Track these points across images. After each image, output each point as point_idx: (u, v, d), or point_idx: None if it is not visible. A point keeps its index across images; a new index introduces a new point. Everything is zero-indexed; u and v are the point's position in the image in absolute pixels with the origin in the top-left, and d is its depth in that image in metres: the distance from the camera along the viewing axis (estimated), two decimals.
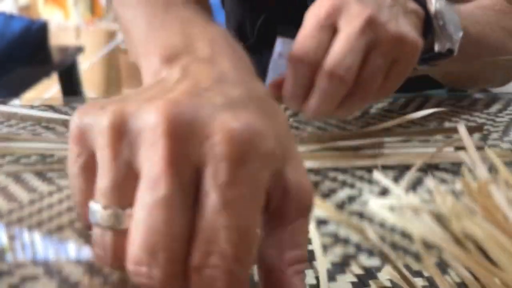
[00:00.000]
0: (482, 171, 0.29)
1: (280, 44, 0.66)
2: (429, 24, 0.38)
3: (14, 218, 0.30)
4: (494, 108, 0.48)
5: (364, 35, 0.32)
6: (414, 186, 0.33)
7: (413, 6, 0.37)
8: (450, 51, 0.39)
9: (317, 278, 0.24)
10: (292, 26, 0.66)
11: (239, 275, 0.16)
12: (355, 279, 0.24)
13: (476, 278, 0.23)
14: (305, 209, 0.19)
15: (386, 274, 0.24)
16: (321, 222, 0.29)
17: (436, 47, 0.39)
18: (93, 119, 0.18)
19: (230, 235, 0.16)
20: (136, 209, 0.16)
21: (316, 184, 0.34)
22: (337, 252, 0.26)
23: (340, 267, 0.25)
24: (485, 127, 0.42)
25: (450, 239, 0.26)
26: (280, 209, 0.18)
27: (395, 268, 0.24)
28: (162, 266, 0.16)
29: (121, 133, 0.17)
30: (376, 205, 0.29)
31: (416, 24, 0.36)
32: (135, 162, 0.17)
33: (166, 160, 0.16)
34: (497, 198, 0.27)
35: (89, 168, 0.18)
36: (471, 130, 0.38)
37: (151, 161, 0.16)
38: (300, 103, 0.35)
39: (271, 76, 0.68)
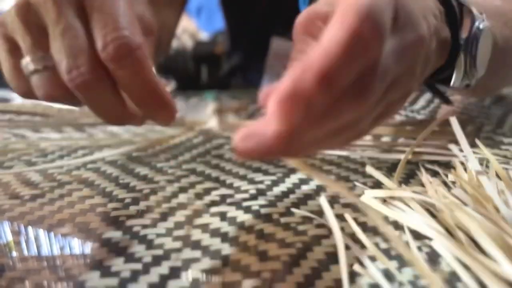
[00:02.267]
0: (473, 163, 0.30)
1: (275, 45, 0.66)
2: (451, 56, 0.30)
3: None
4: (487, 100, 0.48)
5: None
6: (407, 179, 0.33)
7: (446, 33, 0.29)
8: (466, 85, 0.32)
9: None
10: (286, 28, 0.66)
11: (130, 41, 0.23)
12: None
13: (467, 269, 0.24)
14: None
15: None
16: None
17: (453, 83, 0.32)
18: None
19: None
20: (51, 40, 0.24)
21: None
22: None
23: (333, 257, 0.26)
24: (478, 119, 0.43)
25: (441, 230, 0.26)
26: None
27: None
28: (84, 63, 0.23)
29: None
30: (369, 197, 0.29)
31: (436, 63, 0.29)
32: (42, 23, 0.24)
33: None
34: (489, 190, 0.27)
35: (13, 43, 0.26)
36: (463, 123, 0.39)
37: None
38: None
39: (268, 78, 0.69)
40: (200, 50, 0.89)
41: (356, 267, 0.24)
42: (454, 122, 0.31)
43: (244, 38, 0.71)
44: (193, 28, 1.53)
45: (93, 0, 0.23)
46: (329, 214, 0.27)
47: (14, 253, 0.27)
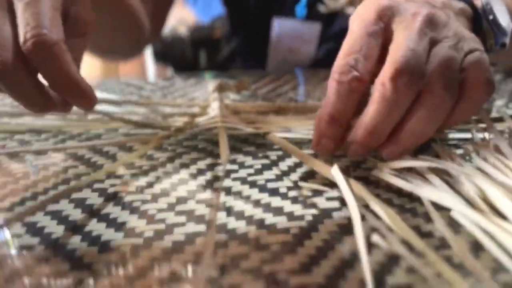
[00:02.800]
0: (493, 132, 0.28)
1: (277, 26, 0.65)
2: (477, 22, 0.32)
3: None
4: (498, 76, 0.47)
5: (425, 36, 0.27)
6: (421, 151, 0.32)
7: (460, 5, 0.32)
8: (502, 45, 0.33)
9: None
10: (286, 9, 0.64)
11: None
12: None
13: (491, 237, 0.22)
14: None
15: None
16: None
17: (489, 45, 0.33)
18: None
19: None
20: None
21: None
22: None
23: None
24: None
25: (460, 200, 0.25)
26: None
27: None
28: (5, 53, 0.25)
29: None
30: (382, 170, 0.28)
31: (466, 26, 0.31)
32: None
33: None
34: (509, 157, 0.26)
35: None
36: None
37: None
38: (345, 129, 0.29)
39: (272, 60, 0.67)
40: (197, 35, 0.87)
41: (374, 238, 0.22)
42: None
43: (244, 22, 0.69)
44: (191, 19, 1.51)
45: (21, 1, 0.26)
46: (342, 183, 0.25)
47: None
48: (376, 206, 0.25)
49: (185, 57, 0.94)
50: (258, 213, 0.26)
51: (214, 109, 0.38)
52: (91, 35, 0.30)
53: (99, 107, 0.41)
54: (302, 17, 0.61)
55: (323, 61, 0.64)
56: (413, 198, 0.27)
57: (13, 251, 0.24)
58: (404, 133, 0.27)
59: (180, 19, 1.42)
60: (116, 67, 2.33)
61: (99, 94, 0.43)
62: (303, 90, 0.45)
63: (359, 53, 0.27)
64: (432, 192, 0.25)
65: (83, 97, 0.27)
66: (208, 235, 0.24)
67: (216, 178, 0.30)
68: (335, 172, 0.26)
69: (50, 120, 0.39)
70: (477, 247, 0.22)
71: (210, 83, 0.44)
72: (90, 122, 0.38)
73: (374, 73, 0.27)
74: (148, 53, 2.25)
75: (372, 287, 0.19)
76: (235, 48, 0.74)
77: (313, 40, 0.63)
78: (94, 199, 0.28)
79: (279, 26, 0.62)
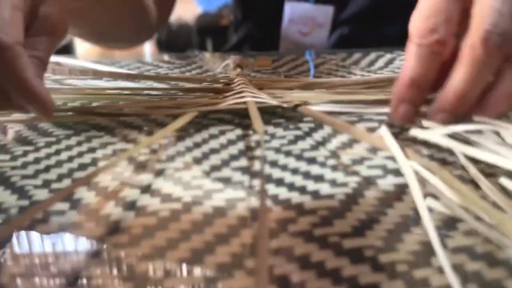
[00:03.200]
0: None
1: (289, 9, 0.63)
2: None
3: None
4: None
5: None
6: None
7: None
8: None
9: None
10: None
11: None
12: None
13: None
14: None
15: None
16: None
17: None
18: None
19: None
20: None
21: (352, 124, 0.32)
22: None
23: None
24: None
25: None
26: None
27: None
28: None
29: None
30: (434, 132, 0.26)
31: None
32: None
33: None
34: None
35: None
36: None
37: None
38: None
39: (284, 44, 0.66)
40: (204, 22, 0.86)
41: (429, 201, 0.21)
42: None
43: (256, 7, 0.68)
44: (196, 11, 1.50)
45: None
46: (391, 142, 0.24)
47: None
48: (432, 166, 0.23)
49: (191, 45, 0.93)
50: (298, 180, 0.25)
51: (239, 83, 0.36)
52: (63, 37, 0.29)
53: (120, 83, 0.40)
54: (314, 1, 0.60)
55: (336, 46, 0.64)
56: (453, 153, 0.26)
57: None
58: (496, 97, 0.26)
59: (185, 10, 1.40)
60: (113, 53, 2.32)
61: (117, 70, 0.42)
62: (322, 70, 0.44)
63: (440, 16, 0.26)
64: (486, 154, 0.24)
65: (38, 103, 0.26)
66: (249, 201, 0.23)
67: (249, 148, 0.29)
68: (383, 132, 0.25)
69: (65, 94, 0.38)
70: None
71: (229, 60, 0.43)
72: (112, 95, 0.37)
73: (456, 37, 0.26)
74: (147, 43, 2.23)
75: (439, 246, 0.18)
76: (244, 35, 0.73)
77: (326, 24, 0.62)
78: (124, 168, 0.27)
79: (291, 9, 0.61)
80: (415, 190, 0.21)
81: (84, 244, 0.20)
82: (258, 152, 0.28)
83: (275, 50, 0.65)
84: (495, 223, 0.20)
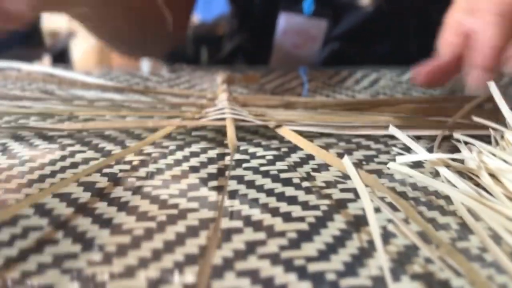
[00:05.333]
0: None
1: (283, 20, 0.64)
2: None
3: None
4: (504, 80, 0.47)
5: None
6: (433, 147, 0.31)
7: None
8: None
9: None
10: (294, 2, 0.64)
11: None
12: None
13: (510, 232, 0.22)
14: None
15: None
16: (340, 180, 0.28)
17: None
18: None
19: None
20: None
21: (329, 146, 0.33)
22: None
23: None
24: None
25: (483, 193, 0.24)
26: None
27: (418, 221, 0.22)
28: None
29: None
30: (398, 162, 0.27)
31: None
32: None
33: None
34: None
35: None
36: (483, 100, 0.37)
37: None
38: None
39: (276, 55, 0.67)
40: (200, 32, 0.86)
41: (390, 227, 0.22)
42: (493, 88, 0.28)
43: (250, 17, 0.69)
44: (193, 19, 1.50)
45: None
46: (353, 173, 0.25)
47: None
48: (393, 196, 0.24)
49: (185, 55, 0.93)
50: (272, 201, 0.26)
51: (222, 100, 0.37)
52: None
53: (106, 94, 0.41)
54: (309, 14, 0.61)
55: (326, 62, 0.64)
56: (428, 192, 0.26)
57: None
58: None
59: None
60: (110, 59, 2.32)
61: (105, 82, 0.43)
62: (309, 87, 0.44)
63: None
64: (443, 185, 0.25)
65: None
66: (216, 221, 0.24)
67: (228, 167, 0.30)
68: (346, 163, 0.26)
69: (56, 105, 0.39)
70: (497, 239, 0.22)
71: (217, 75, 0.43)
72: (97, 109, 0.38)
73: None
74: None
75: (389, 275, 0.19)
76: (237, 45, 0.73)
77: (318, 38, 0.63)
78: (104, 183, 0.27)
79: (286, 20, 0.62)
80: (371, 216, 0.21)
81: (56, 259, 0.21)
82: (237, 172, 0.29)
83: (267, 61, 0.66)
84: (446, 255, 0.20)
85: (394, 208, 0.25)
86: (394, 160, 0.29)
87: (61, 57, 1.59)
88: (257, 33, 0.67)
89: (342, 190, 0.27)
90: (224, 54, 0.76)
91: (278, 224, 0.24)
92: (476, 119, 0.29)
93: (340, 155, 0.30)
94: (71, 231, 0.23)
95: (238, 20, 0.72)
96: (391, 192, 0.25)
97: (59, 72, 0.45)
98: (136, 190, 0.27)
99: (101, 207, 0.25)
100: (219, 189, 0.27)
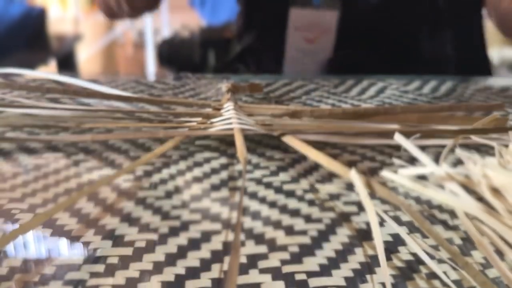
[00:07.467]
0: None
1: (293, 16, 0.64)
2: None
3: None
4: (510, 92, 0.47)
5: None
6: (439, 159, 0.31)
7: None
8: None
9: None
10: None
11: None
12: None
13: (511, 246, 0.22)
14: None
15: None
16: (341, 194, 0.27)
17: None
18: None
19: None
20: None
21: (333, 157, 0.32)
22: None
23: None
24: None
25: (483, 208, 0.24)
26: None
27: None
28: None
29: None
30: (402, 175, 0.27)
31: None
32: None
33: None
34: None
35: None
36: (491, 107, 0.37)
37: None
38: None
39: (290, 52, 0.66)
40: (208, 35, 0.87)
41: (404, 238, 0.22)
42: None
43: (260, 15, 0.68)
44: (195, 23, 1.51)
45: None
46: (360, 186, 0.25)
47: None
48: (404, 210, 0.24)
49: (193, 58, 0.93)
50: (274, 214, 0.26)
51: (228, 109, 0.37)
52: None
53: (112, 103, 0.41)
54: (318, 4, 0.61)
55: (334, 68, 0.64)
56: (432, 205, 0.26)
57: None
58: None
59: (183, 24, 1.41)
60: (115, 65, 2.34)
61: (110, 91, 0.43)
62: (313, 96, 0.44)
63: None
64: (452, 199, 0.25)
65: None
66: (223, 234, 0.24)
67: (232, 178, 0.29)
68: (353, 175, 0.26)
69: (61, 113, 0.39)
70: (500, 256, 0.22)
71: (222, 84, 0.44)
72: (100, 118, 0.38)
73: None
74: (149, 55, 2.25)
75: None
76: (247, 46, 0.72)
77: (331, 29, 0.62)
78: (107, 193, 0.27)
79: (296, 15, 0.61)
80: (376, 231, 0.21)
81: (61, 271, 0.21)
82: (240, 183, 0.29)
83: (279, 60, 0.65)
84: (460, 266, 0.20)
85: (398, 222, 0.24)
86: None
87: (67, 61, 1.60)
88: (268, 32, 0.67)
89: (346, 203, 0.27)
90: (232, 56, 0.76)
91: (280, 237, 0.23)
92: (475, 138, 0.29)
93: (347, 165, 0.30)
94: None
95: (246, 20, 0.71)
96: (405, 204, 0.24)
97: (64, 79, 0.45)
98: (140, 201, 0.27)
99: (105, 218, 0.25)
100: (224, 201, 0.27)
